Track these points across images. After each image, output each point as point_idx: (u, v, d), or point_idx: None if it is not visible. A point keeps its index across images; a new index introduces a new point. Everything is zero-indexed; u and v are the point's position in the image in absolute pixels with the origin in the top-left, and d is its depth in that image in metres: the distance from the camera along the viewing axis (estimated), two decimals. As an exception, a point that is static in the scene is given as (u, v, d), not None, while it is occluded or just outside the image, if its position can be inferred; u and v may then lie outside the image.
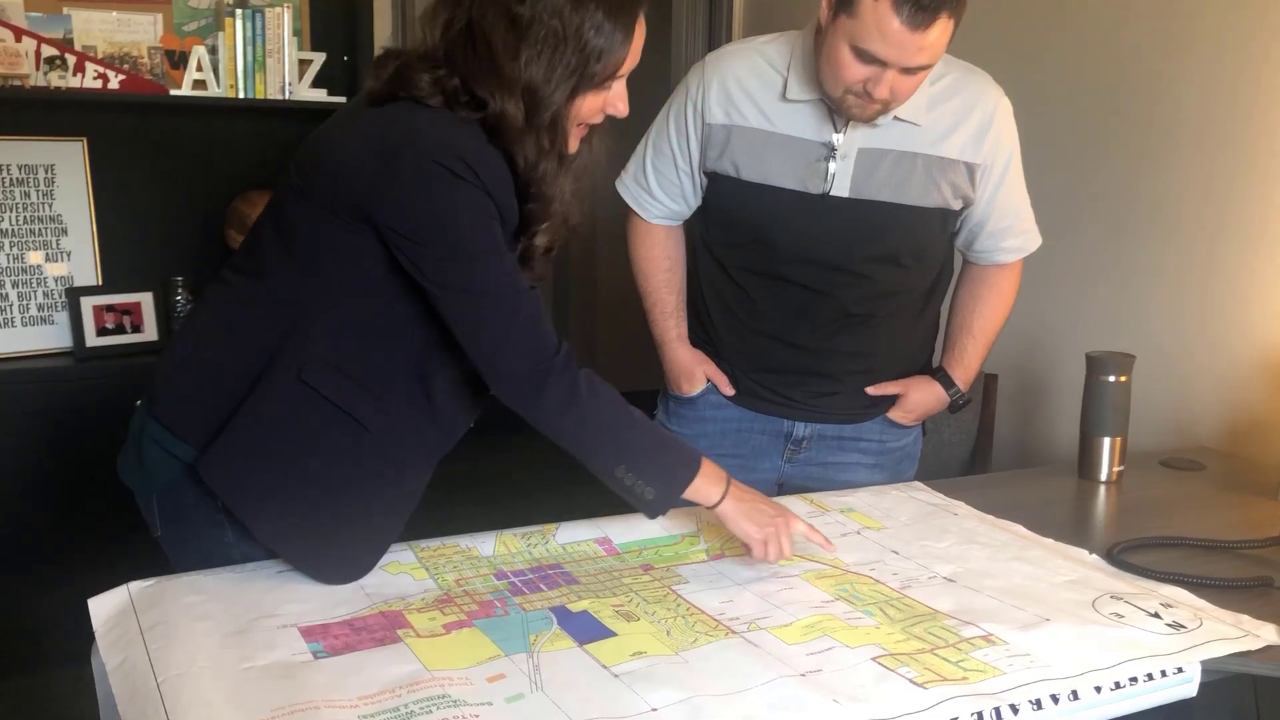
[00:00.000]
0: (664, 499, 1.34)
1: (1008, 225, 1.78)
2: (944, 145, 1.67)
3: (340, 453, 1.28)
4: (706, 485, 1.35)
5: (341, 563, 1.30)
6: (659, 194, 1.82)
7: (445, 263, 1.23)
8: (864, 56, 1.50)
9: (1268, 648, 1.21)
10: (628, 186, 1.85)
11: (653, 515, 1.36)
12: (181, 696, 1.02)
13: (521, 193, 1.29)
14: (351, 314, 1.28)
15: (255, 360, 1.28)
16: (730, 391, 1.84)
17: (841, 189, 1.66)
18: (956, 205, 1.72)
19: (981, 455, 2.49)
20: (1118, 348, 1.92)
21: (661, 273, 1.88)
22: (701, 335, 1.88)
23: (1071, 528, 1.61)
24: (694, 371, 1.85)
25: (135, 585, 1.25)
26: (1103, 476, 1.83)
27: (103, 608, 1.21)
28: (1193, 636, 1.22)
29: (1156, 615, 1.27)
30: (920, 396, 1.83)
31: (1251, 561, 1.47)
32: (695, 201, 1.82)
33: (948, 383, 1.85)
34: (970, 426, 2.46)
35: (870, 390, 1.81)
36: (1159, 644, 1.20)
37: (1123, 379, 1.82)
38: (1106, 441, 1.82)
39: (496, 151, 1.25)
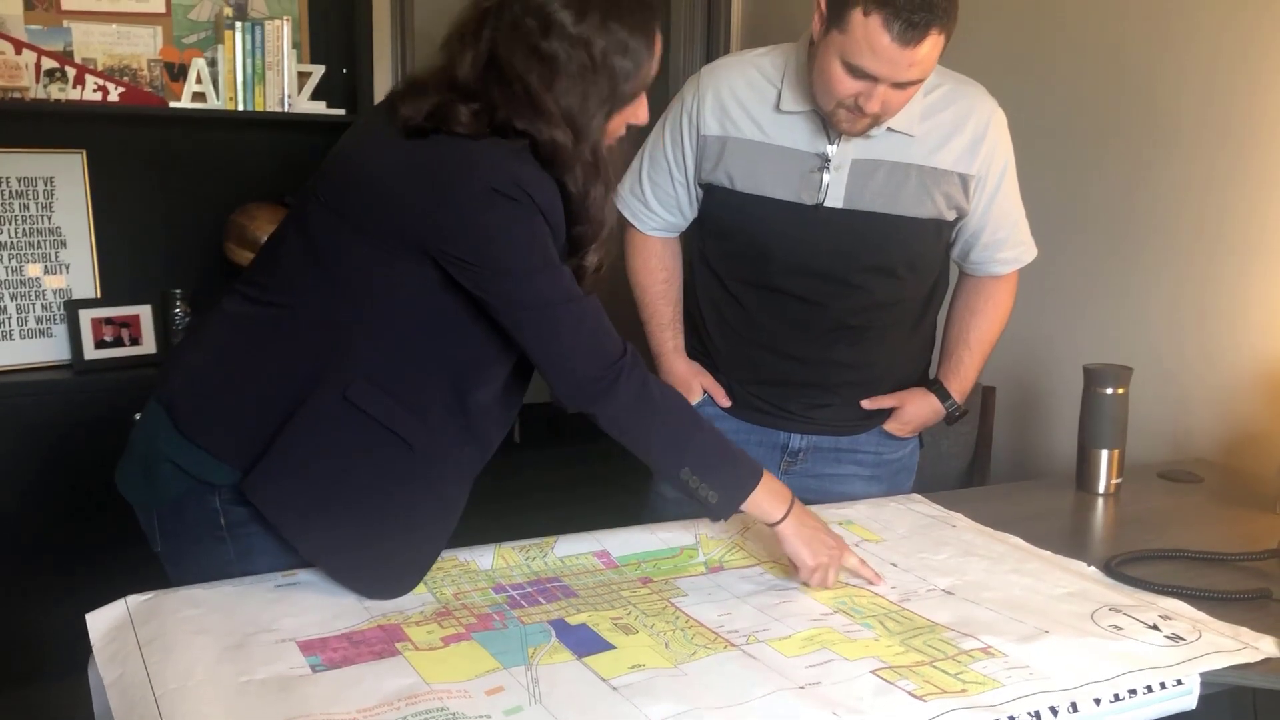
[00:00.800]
0: (726, 505, 1.36)
1: (1003, 237, 1.78)
2: (937, 156, 1.67)
3: (385, 470, 1.29)
4: (768, 500, 1.37)
5: (387, 578, 1.30)
6: (655, 206, 1.82)
7: (511, 282, 1.26)
8: (855, 71, 1.50)
9: (1266, 660, 1.21)
10: (624, 199, 1.85)
11: (715, 519, 1.39)
12: (179, 710, 1.02)
13: (571, 216, 1.31)
14: (393, 334, 1.29)
15: (294, 381, 1.28)
16: (727, 403, 1.84)
17: (835, 200, 1.67)
18: (951, 216, 1.72)
19: (979, 467, 2.49)
20: (1115, 360, 1.93)
21: (658, 284, 1.88)
22: (698, 347, 1.88)
23: (1069, 540, 1.61)
24: (690, 383, 1.85)
25: (133, 599, 1.25)
26: (1100, 489, 1.83)
27: (100, 621, 1.21)
28: (1192, 649, 1.22)
29: (1155, 627, 1.27)
30: (916, 409, 1.84)
31: (1250, 574, 1.47)
32: (691, 213, 1.82)
33: (943, 395, 1.85)
34: (968, 438, 2.46)
35: (865, 404, 1.82)
36: (1158, 656, 1.20)
37: (1120, 391, 1.82)
38: (1104, 454, 1.82)
39: (548, 177, 1.27)
